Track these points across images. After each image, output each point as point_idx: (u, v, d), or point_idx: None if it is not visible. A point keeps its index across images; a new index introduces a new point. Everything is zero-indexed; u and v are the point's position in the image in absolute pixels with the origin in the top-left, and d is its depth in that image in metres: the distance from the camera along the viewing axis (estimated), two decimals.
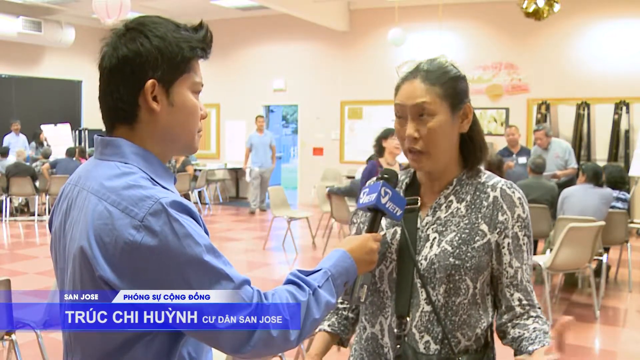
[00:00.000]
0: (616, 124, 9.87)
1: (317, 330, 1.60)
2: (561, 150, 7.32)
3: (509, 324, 1.42)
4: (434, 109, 1.40)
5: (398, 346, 1.42)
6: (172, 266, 1.07)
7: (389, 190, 1.41)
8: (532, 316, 1.41)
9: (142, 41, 1.15)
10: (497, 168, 5.78)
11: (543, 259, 5.18)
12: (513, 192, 1.44)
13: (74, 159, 10.21)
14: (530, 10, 6.98)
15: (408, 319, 1.42)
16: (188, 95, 1.21)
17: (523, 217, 1.43)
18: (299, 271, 1.26)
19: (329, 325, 1.60)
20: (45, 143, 11.75)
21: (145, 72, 1.15)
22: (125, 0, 6.01)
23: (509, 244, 1.42)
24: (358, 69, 11.84)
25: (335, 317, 1.62)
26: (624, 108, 9.85)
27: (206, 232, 1.16)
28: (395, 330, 1.43)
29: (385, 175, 1.46)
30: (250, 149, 11.25)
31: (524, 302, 1.42)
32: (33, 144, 12.00)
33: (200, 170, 11.45)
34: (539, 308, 1.43)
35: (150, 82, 1.15)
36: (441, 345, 1.40)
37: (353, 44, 11.93)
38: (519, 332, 1.40)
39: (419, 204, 1.49)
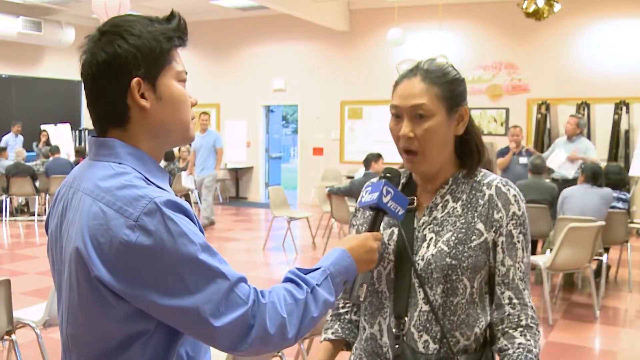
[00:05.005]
0: (616, 124, 9.88)
1: (320, 340, 1.60)
2: (582, 147, 7.37)
3: (499, 329, 1.42)
4: (431, 110, 1.39)
5: (397, 346, 1.42)
6: (168, 265, 1.07)
7: (391, 190, 1.40)
8: (521, 325, 1.40)
9: (118, 43, 1.15)
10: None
11: (543, 259, 5.18)
12: (508, 190, 1.43)
13: (73, 158, 10.18)
14: (530, 10, 6.99)
15: (406, 318, 1.42)
16: (174, 86, 1.21)
17: (518, 214, 1.42)
18: (298, 269, 1.26)
19: (332, 333, 1.59)
20: (44, 144, 11.71)
21: (128, 72, 1.15)
22: (124, 0, 6.01)
23: (502, 242, 1.41)
24: (358, 69, 11.84)
25: (338, 322, 1.61)
26: (624, 108, 9.85)
27: (201, 231, 1.16)
28: (394, 330, 1.43)
29: (388, 174, 1.45)
30: (195, 153, 9.52)
31: (514, 300, 1.41)
32: (35, 145, 11.90)
33: None
34: (532, 308, 1.42)
35: (135, 80, 1.15)
36: (440, 344, 1.40)
37: (353, 44, 11.93)
38: (505, 345, 1.39)
39: (415, 204, 1.48)
